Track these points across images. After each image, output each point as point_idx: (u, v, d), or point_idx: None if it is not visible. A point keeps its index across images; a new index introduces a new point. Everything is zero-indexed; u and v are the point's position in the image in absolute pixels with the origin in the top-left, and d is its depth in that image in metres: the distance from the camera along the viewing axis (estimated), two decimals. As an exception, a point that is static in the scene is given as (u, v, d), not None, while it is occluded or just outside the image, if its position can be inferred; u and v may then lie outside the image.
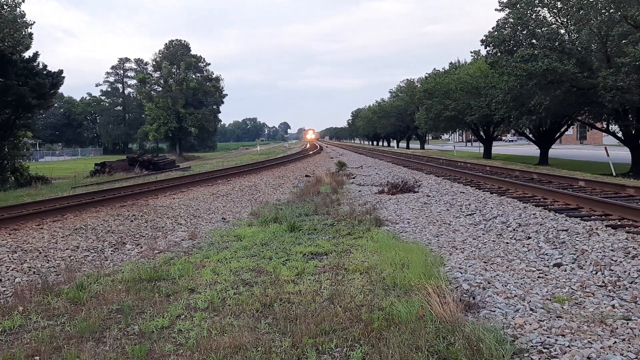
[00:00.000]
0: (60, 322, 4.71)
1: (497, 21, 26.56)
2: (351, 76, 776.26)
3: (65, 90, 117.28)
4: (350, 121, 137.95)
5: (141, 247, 8.35)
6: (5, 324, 4.66)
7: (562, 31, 24.25)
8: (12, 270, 6.72)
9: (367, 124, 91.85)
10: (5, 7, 23.29)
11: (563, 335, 3.89)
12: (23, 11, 24.12)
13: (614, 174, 19.11)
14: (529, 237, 7.33)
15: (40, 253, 7.50)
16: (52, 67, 27.89)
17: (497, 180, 13.82)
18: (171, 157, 41.81)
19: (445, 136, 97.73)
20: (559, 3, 23.84)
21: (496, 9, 26.08)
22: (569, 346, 3.70)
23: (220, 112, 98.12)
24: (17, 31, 23.42)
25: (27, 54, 26.21)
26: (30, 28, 24.70)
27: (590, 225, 7.23)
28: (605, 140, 41.50)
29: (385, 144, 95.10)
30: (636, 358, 3.53)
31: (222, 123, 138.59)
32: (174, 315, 4.75)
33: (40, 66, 27.08)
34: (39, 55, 27.05)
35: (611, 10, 20.78)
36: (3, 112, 24.79)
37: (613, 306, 4.55)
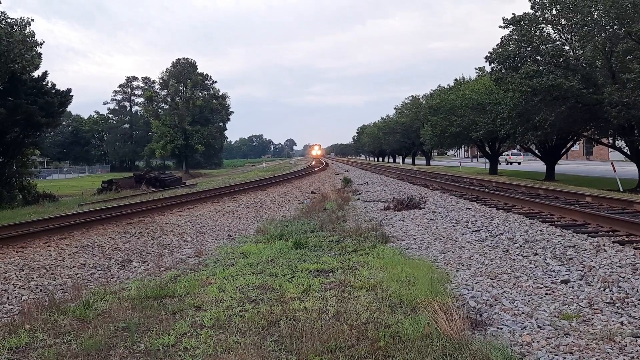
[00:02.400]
0: (66, 340, 4.71)
1: (501, 38, 26.71)
2: (356, 92, 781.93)
3: (73, 108, 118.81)
4: (355, 137, 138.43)
5: (147, 265, 8.36)
6: (12, 342, 4.67)
7: (567, 47, 24.33)
8: (19, 287, 6.75)
9: (372, 141, 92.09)
10: (15, 27, 23.70)
11: (571, 353, 3.85)
12: (32, 31, 24.57)
13: (621, 190, 19.01)
14: (536, 254, 7.29)
15: (47, 271, 7.53)
16: (61, 86, 28.20)
17: (503, 197, 13.78)
18: (177, 174, 42.04)
19: (451, 152, 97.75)
20: (563, 20, 23.95)
21: (500, 26, 26.25)
22: (577, 364, 3.66)
23: (226, 129, 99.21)
24: (27, 51, 23.80)
25: (37, 73, 26.59)
26: (40, 48, 25.13)
27: (598, 242, 7.19)
28: (612, 155, 41.41)
29: (391, 160, 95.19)
30: (646, 376, 3.49)
31: (228, 140, 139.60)
32: (180, 332, 4.75)
33: (49, 85, 27.39)
34: (47, 74, 27.42)
35: (615, 27, 20.86)
36: (12, 131, 25.07)
37: (622, 323, 4.51)
